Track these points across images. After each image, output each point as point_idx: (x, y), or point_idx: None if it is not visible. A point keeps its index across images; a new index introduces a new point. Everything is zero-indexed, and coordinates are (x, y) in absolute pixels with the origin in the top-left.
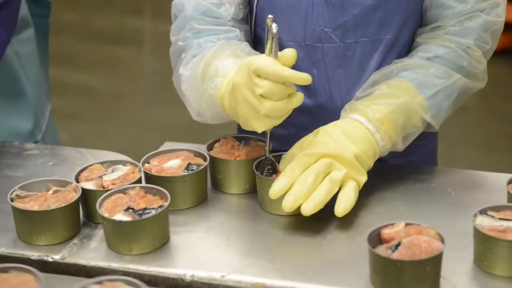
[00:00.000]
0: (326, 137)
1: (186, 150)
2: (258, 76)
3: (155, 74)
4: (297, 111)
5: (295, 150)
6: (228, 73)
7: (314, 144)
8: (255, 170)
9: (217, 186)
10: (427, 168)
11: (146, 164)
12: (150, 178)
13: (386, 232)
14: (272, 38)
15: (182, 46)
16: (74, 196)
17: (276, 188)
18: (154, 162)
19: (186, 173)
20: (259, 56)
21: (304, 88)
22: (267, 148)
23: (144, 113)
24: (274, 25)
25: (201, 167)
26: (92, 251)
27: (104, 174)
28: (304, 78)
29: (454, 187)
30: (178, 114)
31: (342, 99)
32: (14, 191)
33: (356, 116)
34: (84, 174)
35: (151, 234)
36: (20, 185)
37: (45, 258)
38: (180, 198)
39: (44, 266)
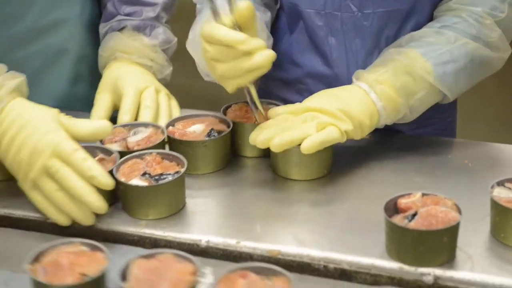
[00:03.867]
0: (311, 97)
1: (212, 115)
2: (207, 41)
3: None
4: (314, 79)
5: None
6: None
7: (299, 104)
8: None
9: (238, 151)
10: (443, 140)
11: (170, 127)
12: (172, 141)
13: (402, 202)
14: None
15: (198, 8)
16: (110, 167)
17: (257, 130)
18: (178, 125)
19: (207, 139)
20: (208, 22)
21: (322, 57)
22: (251, 107)
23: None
24: None
25: (223, 134)
26: (107, 216)
27: (127, 137)
28: (237, 39)
29: (471, 159)
30: (191, 84)
31: (358, 67)
32: None
33: (355, 81)
34: (108, 136)
35: (167, 199)
36: None
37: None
38: (201, 163)
39: (61, 230)
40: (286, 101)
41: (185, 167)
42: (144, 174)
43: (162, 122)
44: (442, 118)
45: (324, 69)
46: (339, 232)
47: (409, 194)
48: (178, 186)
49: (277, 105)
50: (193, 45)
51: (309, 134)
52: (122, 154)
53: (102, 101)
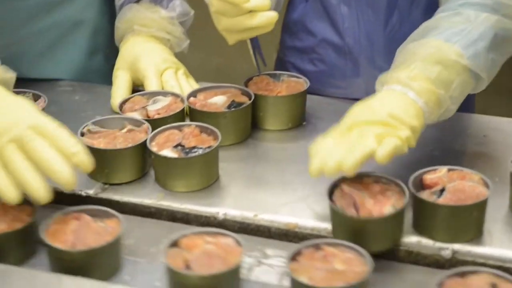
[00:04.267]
0: (352, 110)
1: (234, 87)
2: None
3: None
4: (326, 48)
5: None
6: None
7: (342, 124)
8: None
9: (259, 123)
10: (462, 115)
11: (192, 98)
12: (192, 111)
13: (428, 178)
14: None
15: None
16: (143, 137)
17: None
18: (200, 96)
19: (227, 110)
20: None
21: (333, 27)
22: (254, 63)
23: (176, 56)
24: None
25: (243, 105)
26: (125, 187)
27: (147, 105)
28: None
29: (490, 133)
30: (207, 59)
31: (369, 39)
32: (86, 125)
33: (384, 86)
34: (128, 105)
35: (196, 173)
36: (93, 120)
37: (79, 192)
38: (221, 135)
39: (78, 201)
40: (301, 71)
41: (218, 142)
42: (176, 145)
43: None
44: None
45: (336, 39)
46: None
47: (434, 169)
48: (208, 161)
49: (298, 77)
50: None
51: (374, 148)
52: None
53: (122, 80)
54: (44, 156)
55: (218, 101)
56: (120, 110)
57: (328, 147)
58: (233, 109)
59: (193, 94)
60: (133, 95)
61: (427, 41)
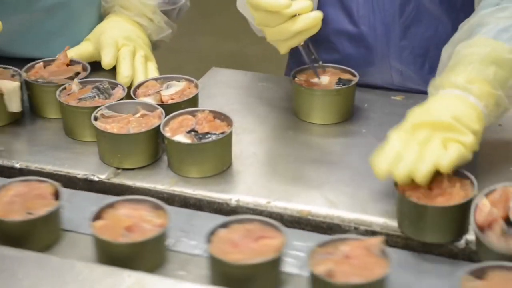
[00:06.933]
0: (414, 112)
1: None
2: (254, 9)
3: (196, 3)
4: (340, 37)
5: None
6: None
7: (407, 122)
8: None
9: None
10: None
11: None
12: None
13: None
14: None
15: None
16: (156, 122)
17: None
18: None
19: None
20: None
21: (348, 16)
22: (306, 60)
23: (186, 42)
24: None
25: (352, 83)
26: (137, 173)
27: (160, 90)
28: (280, 4)
29: (504, 121)
30: (219, 43)
31: (385, 28)
32: (99, 110)
33: (440, 91)
34: (141, 90)
35: (209, 158)
36: (107, 104)
37: (91, 177)
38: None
39: (90, 185)
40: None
41: (231, 128)
42: (190, 131)
43: (138, 80)
44: None
45: (350, 27)
46: (370, 194)
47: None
48: (222, 146)
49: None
50: (242, 5)
51: (441, 155)
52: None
53: (83, 48)
54: None
55: (323, 80)
56: (134, 94)
57: (395, 150)
58: (343, 86)
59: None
60: (147, 79)
61: (477, 41)
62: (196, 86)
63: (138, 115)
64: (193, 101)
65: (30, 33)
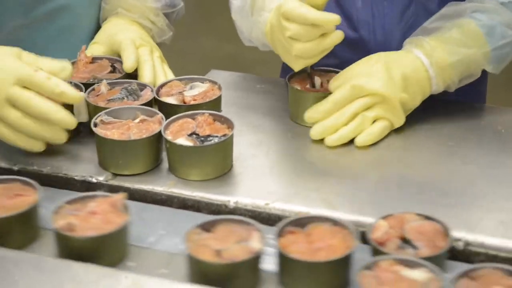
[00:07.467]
0: (381, 71)
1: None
2: (287, 19)
3: (197, 4)
4: (340, 43)
5: (348, 73)
6: (273, 8)
7: (369, 74)
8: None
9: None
10: (477, 105)
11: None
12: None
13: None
14: None
15: None
16: (157, 128)
17: (315, 114)
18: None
19: None
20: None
21: (347, 20)
22: (313, 81)
23: (187, 44)
24: None
25: None
26: (137, 175)
27: (184, 90)
28: (331, 19)
29: (504, 125)
30: (219, 46)
31: (384, 33)
32: (99, 116)
33: (421, 55)
34: (165, 89)
35: (211, 161)
36: (106, 110)
37: (89, 179)
38: None
39: (88, 187)
40: (317, 65)
41: (233, 131)
42: (191, 134)
43: (158, 81)
44: (473, 85)
45: (350, 32)
46: (369, 195)
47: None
48: (224, 149)
49: (336, 72)
50: (242, 13)
51: (364, 129)
52: (176, 107)
53: (94, 51)
54: (37, 108)
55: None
56: (157, 94)
57: (330, 108)
58: None
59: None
60: (171, 79)
61: (470, 24)
62: (220, 88)
63: (137, 120)
64: (215, 103)
65: (30, 38)
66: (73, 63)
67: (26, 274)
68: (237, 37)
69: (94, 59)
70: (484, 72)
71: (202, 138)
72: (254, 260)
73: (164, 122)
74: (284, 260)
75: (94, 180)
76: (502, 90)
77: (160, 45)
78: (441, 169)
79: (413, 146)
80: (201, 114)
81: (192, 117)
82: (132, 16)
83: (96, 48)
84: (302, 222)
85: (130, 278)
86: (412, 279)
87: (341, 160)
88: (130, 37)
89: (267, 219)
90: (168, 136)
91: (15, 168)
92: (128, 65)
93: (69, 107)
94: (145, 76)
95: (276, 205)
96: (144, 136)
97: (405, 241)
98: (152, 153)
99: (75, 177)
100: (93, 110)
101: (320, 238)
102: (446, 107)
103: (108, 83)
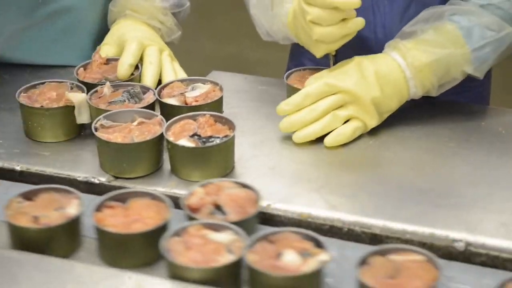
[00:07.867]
0: (355, 70)
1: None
2: (308, 3)
3: (198, 5)
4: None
5: (325, 72)
6: None
7: (342, 72)
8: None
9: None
10: (477, 107)
11: None
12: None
13: None
14: None
15: None
16: (158, 130)
17: (285, 106)
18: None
19: None
20: None
21: None
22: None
23: (188, 45)
24: None
25: None
26: (136, 177)
27: (185, 91)
28: (351, 2)
29: (505, 126)
30: (220, 47)
31: (385, 32)
32: (99, 120)
33: (397, 56)
34: (166, 90)
35: (214, 162)
36: (105, 114)
37: (92, 179)
38: None
39: (90, 188)
40: (316, 63)
41: (235, 131)
42: (193, 135)
43: (167, 80)
44: (474, 87)
45: None
46: (371, 196)
47: None
48: (225, 150)
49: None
50: (261, 8)
51: (334, 128)
52: (177, 108)
53: (106, 52)
54: None
55: None
56: (159, 95)
57: (301, 103)
58: None
59: None
60: (172, 80)
61: (449, 26)
62: (221, 89)
63: (135, 123)
64: (217, 104)
65: (33, 39)
66: (87, 64)
67: (29, 275)
68: (238, 38)
69: (108, 60)
70: (487, 76)
71: (204, 139)
72: (70, 225)
73: (165, 124)
74: (100, 233)
75: (96, 181)
76: (504, 92)
77: (168, 44)
78: (442, 170)
79: (413, 147)
80: (203, 115)
81: (194, 118)
82: (140, 17)
83: (107, 49)
84: (123, 197)
85: (133, 279)
86: (218, 241)
87: (342, 161)
88: (137, 36)
89: (269, 220)
90: (169, 137)
91: (18, 168)
92: (120, 72)
93: (70, 108)
94: (147, 80)
95: (277, 206)
96: (148, 138)
97: (218, 207)
98: (156, 154)
99: (78, 178)
100: (93, 111)
101: (137, 212)
102: (446, 108)
103: (112, 85)
